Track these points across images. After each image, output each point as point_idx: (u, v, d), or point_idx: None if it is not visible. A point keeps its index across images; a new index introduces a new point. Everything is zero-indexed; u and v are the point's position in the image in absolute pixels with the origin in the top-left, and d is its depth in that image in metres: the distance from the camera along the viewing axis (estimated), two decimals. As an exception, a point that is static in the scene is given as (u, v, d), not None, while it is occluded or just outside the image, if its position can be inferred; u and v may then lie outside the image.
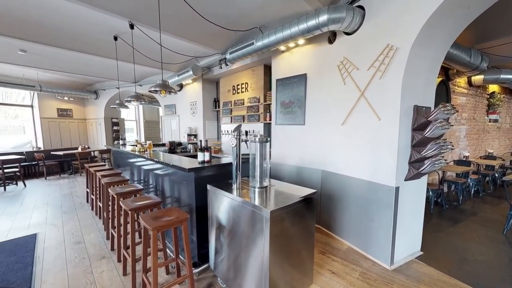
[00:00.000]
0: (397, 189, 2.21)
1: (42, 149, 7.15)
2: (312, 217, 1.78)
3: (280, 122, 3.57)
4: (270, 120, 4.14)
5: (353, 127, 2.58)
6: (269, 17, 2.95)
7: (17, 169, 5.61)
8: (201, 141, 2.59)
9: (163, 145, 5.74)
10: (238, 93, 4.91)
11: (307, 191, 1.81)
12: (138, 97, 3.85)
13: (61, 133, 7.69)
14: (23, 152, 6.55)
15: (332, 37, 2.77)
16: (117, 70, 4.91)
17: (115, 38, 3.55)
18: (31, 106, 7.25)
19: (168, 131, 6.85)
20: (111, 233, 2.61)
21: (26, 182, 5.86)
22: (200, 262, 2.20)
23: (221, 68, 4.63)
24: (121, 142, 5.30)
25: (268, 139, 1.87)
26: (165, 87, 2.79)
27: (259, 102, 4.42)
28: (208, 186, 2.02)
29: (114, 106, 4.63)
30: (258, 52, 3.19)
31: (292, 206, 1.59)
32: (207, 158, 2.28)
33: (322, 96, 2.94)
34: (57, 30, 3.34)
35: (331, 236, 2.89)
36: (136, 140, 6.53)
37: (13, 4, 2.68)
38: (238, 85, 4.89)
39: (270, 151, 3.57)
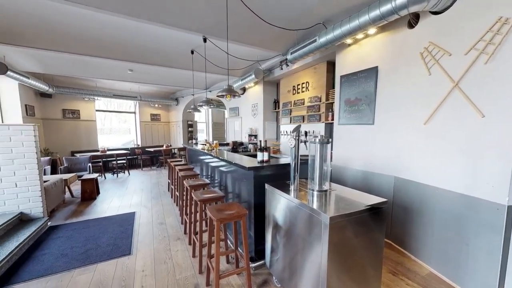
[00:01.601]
0: (510, 208, 1.66)
1: (140, 146, 9.08)
2: (380, 229, 1.56)
3: (344, 122, 3.29)
4: (332, 120, 3.88)
5: (440, 127, 2.11)
6: (333, 10, 2.77)
7: (124, 161, 7.33)
8: (260, 141, 2.69)
9: (227, 144, 6.27)
10: (298, 93, 4.84)
11: (375, 199, 1.60)
12: (208, 102, 4.35)
13: (153, 133, 9.55)
14: (128, 148, 8.50)
15: (413, 20, 2.34)
16: (193, 79, 5.70)
17: (192, 52, 4.14)
18: (134, 113, 9.33)
19: (232, 131, 7.43)
20: (185, 219, 3.05)
21: (130, 171, 7.57)
22: (257, 257, 2.28)
23: (281, 69, 4.67)
24: (194, 141, 6.11)
25: (330, 140, 1.76)
26: (230, 92, 3.05)
27: (320, 101, 4.21)
28: (266, 185, 2.07)
29: (190, 111, 5.41)
30: (321, 49, 3.05)
31: (356, 215, 1.43)
32: (266, 158, 2.35)
33: (397, 90, 2.54)
34: (153, 51, 4.18)
35: (405, 255, 2.44)
36: (206, 140, 7.39)
37: (122, 34, 3.53)
38: (298, 85, 4.81)
39: (331, 152, 3.35)
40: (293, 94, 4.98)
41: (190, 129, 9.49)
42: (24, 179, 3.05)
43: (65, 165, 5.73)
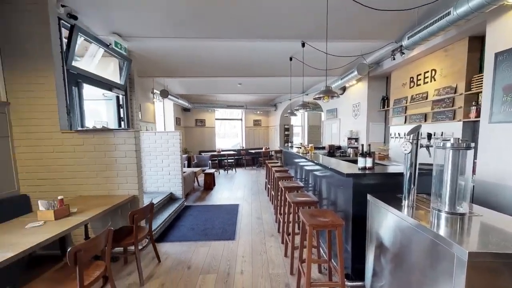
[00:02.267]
0: None
1: (244, 148, 10.50)
2: None
3: (501, 119, 2.27)
4: (477, 116, 2.78)
5: None
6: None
7: (233, 160, 8.72)
8: (362, 145, 2.36)
9: (323, 148, 5.98)
10: (418, 85, 3.85)
11: None
12: (305, 105, 4.36)
13: (254, 137, 10.77)
14: (236, 150, 10.04)
15: None
16: (290, 84, 5.92)
17: (290, 59, 4.32)
18: (241, 119, 10.92)
19: (328, 134, 7.02)
20: (278, 217, 3.19)
21: (237, 169, 8.90)
22: (354, 276, 1.99)
23: (393, 59, 3.90)
24: (289, 144, 6.30)
25: (471, 144, 1.26)
26: (328, 93, 2.90)
27: (455, 92, 3.13)
28: (369, 196, 1.78)
29: (286, 115, 5.65)
30: (458, 23, 2.29)
31: (524, 259, 0.93)
32: (369, 164, 2.03)
33: None
34: (257, 65, 4.77)
35: None
36: (301, 143, 7.41)
37: (236, 55, 4.23)
38: (418, 75, 3.83)
39: (474, 162, 2.40)
40: (411, 87, 4.02)
41: (286, 132, 9.88)
42: (173, 169, 4.31)
43: (195, 161, 7.60)
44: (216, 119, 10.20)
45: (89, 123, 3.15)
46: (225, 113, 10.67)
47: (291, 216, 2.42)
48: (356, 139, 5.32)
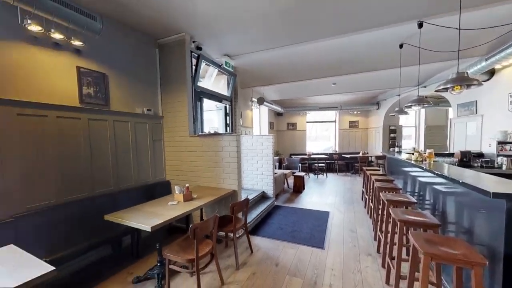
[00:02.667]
0: None
1: (337, 152, 9.73)
2: None
3: None
4: None
5: None
6: None
7: (324, 165, 8.31)
8: None
9: (451, 155, 4.54)
10: None
11: None
12: (421, 101, 3.51)
13: (350, 140, 9.76)
14: (327, 153, 9.50)
15: None
16: (400, 77, 4.93)
17: (401, 46, 3.61)
18: (335, 121, 10.23)
19: (461, 137, 5.23)
20: (378, 235, 2.73)
21: (328, 174, 8.41)
22: None
23: None
24: (396, 149, 5.22)
25: None
26: (462, 81, 2.19)
27: None
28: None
29: (393, 114, 4.73)
30: None
31: None
32: None
33: None
34: (356, 60, 4.36)
35: None
36: (414, 148, 5.96)
37: (330, 54, 4.04)
38: None
39: None
40: None
41: (392, 135, 8.26)
42: (266, 170, 4.69)
43: (286, 163, 7.87)
44: (307, 122, 10.11)
45: (206, 129, 4.03)
46: (317, 115, 10.36)
47: (396, 236, 2.01)
48: (514, 145, 3.65)
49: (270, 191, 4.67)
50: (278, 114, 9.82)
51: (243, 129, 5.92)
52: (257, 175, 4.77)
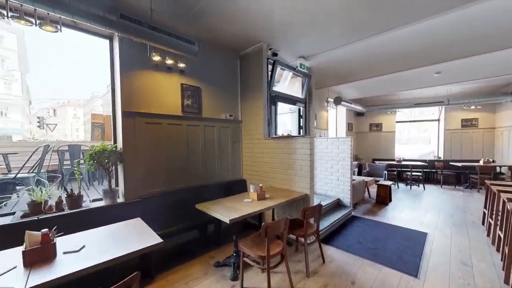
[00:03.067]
0: None
1: (442, 158, 7.67)
2: None
3: None
4: None
5: None
6: None
7: (420, 174, 6.75)
8: None
9: None
10: None
11: None
12: None
13: (462, 143, 7.48)
14: (426, 160, 7.66)
15: None
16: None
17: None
18: (438, 120, 8.12)
19: None
20: None
21: (426, 186, 6.77)
22: None
23: None
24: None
25: None
26: None
27: None
28: None
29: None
30: None
31: None
32: None
33: None
34: (468, 39, 3.37)
35: None
36: None
37: (427, 39, 3.27)
38: None
39: None
40: None
41: (542, 138, 5.71)
42: (342, 175, 4.30)
43: (367, 169, 6.93)
44: (397, 121, 8.52)
45: (279, 132, 4.14)
46: (411, 113, 8.56)
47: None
48: None
49: (347, 199, 4.26)
50: (359, 114, 8.78)
51: (317, 131, 5.68)
52: (331, 180, 4.46)
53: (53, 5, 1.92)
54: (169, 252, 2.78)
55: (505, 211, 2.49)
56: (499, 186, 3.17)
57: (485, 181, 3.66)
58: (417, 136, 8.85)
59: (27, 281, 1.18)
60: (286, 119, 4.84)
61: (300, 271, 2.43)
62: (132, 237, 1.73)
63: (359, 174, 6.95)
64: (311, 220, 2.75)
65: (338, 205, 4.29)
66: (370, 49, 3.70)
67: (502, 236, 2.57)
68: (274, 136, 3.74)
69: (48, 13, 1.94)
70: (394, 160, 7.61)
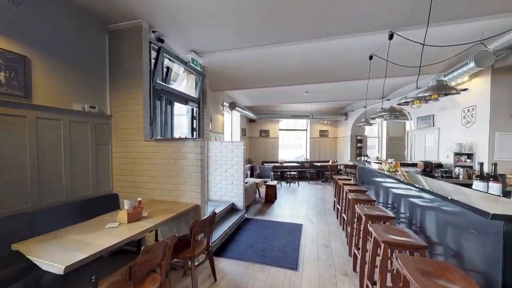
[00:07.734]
0: None
1: (308, 160, 9.81)
2: None
3: None
4: None
5: None
6: None
7: (295, 173, 8.23)
8: (481, 164, 1.58)
9: (413, 165, 4.72)
10: None
11: None
12: (392, 111, 3.57)
13: (320, 149, 9.94)
14: (299, 161, 9.50)
15: None
16: (367, 89, 5.07)
17: (370, 57, 3.63)
18: (306, 130, 10.36)
19: (419, 148, 5.56)
20: (354, 252, 2.53)
21: (300, 182, 8.34)
22: None
23: (542, 41, 2.63)
24: (364, 158, 5.32)
25: None
26: (441, 89, 2.17)
27: None
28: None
29: (360, 125, 4.82)
30: None
31: None
32: (496, 191, 1.27)
33: None
34: (328, 69, 4.32)
35: None
36: (377, 157, 6.18)
37: (305, 61, 3.91)
38: None
39: None
40: None
41: (359, 144, 8.61)
42: (236, 179, 4.30)
43: (258, 171, 7.56)
44: (280, 129, 10.04)
45: (176, 135, 3.52)
46: (289, 123, 10.38)
47: (379, 260, 1.80)
48: (470, 155, 3.91)
49: (240, 203, 4.28)
50: (251, 121, 9.56)
51: (213, 134, 5.47)
52: (226, 185, 4.35)
53: None
54: None
55: (347, 199, 3.30)
56: (342, 180, 4.25)
57: (333, 176, 4.87)
58: (293, 142, 10.87)
59: None
60: (184, 121, 4.25)
61: (186, 302, 1.99)
62: None
63: (251, 176, 7.44)
64: (201, 236, 2.39)
65: (232, 209, 4.21)
66: (263, 60, 3.95)
67: (345, 218, 3.39)
68: (157, 138, 3.08)
69: None
70: (278, 162, 8.84)
